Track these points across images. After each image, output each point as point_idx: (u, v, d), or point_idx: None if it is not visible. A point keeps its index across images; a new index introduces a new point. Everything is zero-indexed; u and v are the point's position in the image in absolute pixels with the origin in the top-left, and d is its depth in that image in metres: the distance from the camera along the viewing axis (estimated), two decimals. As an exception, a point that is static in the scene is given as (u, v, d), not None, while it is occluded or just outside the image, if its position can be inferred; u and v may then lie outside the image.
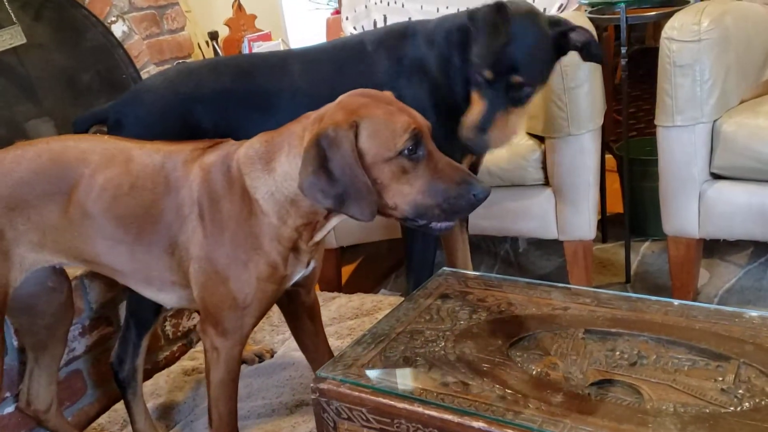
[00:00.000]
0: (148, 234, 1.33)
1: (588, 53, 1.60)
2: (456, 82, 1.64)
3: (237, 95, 1.68)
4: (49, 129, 2.44)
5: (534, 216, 2.10)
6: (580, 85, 1.95)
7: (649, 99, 2.86)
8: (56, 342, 1.61)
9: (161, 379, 1.96)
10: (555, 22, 1.56)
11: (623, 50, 2.17)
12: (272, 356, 2.04)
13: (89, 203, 1.34)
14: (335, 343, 2.01)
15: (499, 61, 1.51)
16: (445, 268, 1.59)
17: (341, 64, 1.71)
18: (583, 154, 1.99)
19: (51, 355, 1.61)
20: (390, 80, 1.66)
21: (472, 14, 1.58)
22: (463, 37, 1.61)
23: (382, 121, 1.19)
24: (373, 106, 1.21)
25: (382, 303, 2.27)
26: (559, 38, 1.56)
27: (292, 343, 2.07)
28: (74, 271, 1.74)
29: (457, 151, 1.66)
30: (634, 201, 2.47)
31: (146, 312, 1.65)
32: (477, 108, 1.56)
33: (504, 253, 2.65)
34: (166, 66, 2.92)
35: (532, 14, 1.55)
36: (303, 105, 1.63)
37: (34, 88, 2.42)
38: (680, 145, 1.93)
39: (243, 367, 2.00)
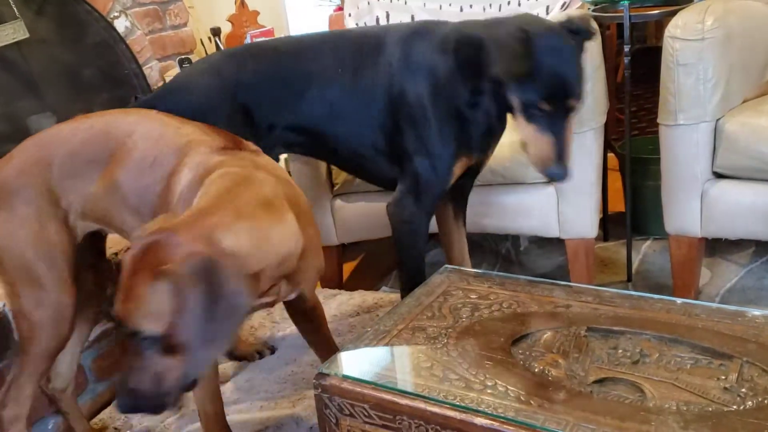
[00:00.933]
0: (161, 210, 1.34)
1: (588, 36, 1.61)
2: (460, 91, 1.65)
3: (274, 77, 1.73)
4: (51, 124, 2.44)
5: (535, 214, 2.10)
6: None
7: (651, 98, 2.86)
8: (84, 321, 1.64)
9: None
10: (566, 27, 1.55)
11: (626, 48, 2.17)
12: (273, 352, 2.05)
13: (121, 173, 1.39)
14: (336, 340, 2.01)
15: (551, 92, 1.50)
16: (447, 265, 1.59)
17: (363, 53, 1.74)
18: (585, 153, 1.99)
19: (78, 334, 1.62)
20: (398, 74, 1.68)
21: (494, 39, 1.54)
22: (476, 52, 1.58)
23: None
24: None
25: (383, 300, 2.27)
26: (576, 40, 1.56)
27: (294, 339, 2.08)
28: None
29: (450, 155, 1.69)
30: (635, 200, 2.47)
31: None
32: (544, 141, 1.54)
33: (505, 252, 2.65)
34: (169, 62, 2.92)
35: (554, 33, 1.53)
36: (331, 89, 1.73)
37: (36, 83, 2.42)
38: (683, 143, 1.92)
39: (244, 363, 2.00)
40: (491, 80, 1.57)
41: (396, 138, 1.72)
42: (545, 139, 1.54)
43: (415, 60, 1.68)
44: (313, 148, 1.85)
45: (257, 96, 1.72)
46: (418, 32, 1.72)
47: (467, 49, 1.61)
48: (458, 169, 1.71)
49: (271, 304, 1.33)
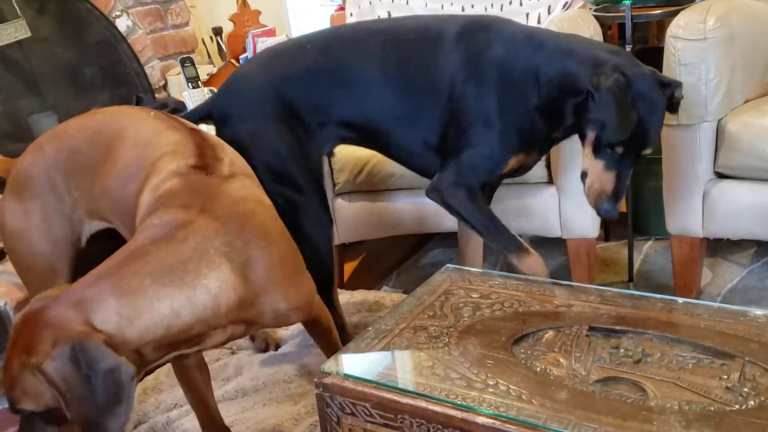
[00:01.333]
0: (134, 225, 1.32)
1: (675, 106, 1.62)
2: (534, 96, 1.62)
3: (321, 72, 1.71)
4: (52, 123, 2.45)
5: (537, 214, 2.10)
6: (584, 83, 1.94)
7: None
8: None
9: (161, 373, 1.96)
10: (666, 84, 1.56)
11: (628, 48, 2.17)
12: (276, 349, 2.04)
13: (108, 178, 1.37)
14: (337, 339, 2.02)
15: (632, 139, 1.51)
16: (448, 265, 1.59)
17: (419, 47, 1.70)
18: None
19: None
20: (462, 71, 1.65)
21: (596, 81, 1.51)
22: (567, 81, 1.57)
23: None
24: None
25: (385, 299, 2.27)
26: (668, 99, 1.57)
27: (297, 337, 2.08)
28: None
29: (510, 149, 1.66)
30: (637, 200, 2.46)
31: None
32: (607, 178, 1.56)
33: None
34: (170, 61, 2.92)
35: (654, 84, 1.53)
36: (382, 84, 1.70)
37: (37, 82, 2.43)
38: (684, 143, 1.92)
39: (249, 359, 2.00)
40: (576, 107, 1.57)
41: (450, 133, 1.68)
42: (608, 176, 1.55)
43: (484, 58, 1.64)
44: (365, 142, 1.82)
45: (305, 93, 1.70)
46: (483, 28, 1.67)
47: (558, 70, 1.58)
48: (513, 162, 1.68)
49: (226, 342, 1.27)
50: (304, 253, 1.77)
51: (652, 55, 2.16)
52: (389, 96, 1.70)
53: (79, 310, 1.04)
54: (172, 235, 1.14)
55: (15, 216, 1.45)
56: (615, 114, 1.48)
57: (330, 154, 1.94)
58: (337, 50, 1.74)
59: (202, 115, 1.78)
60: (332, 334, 1.54)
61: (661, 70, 1.94)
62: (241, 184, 1.28)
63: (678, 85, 1.58)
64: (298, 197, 1.74)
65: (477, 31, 1.67)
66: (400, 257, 2.72)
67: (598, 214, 1.61)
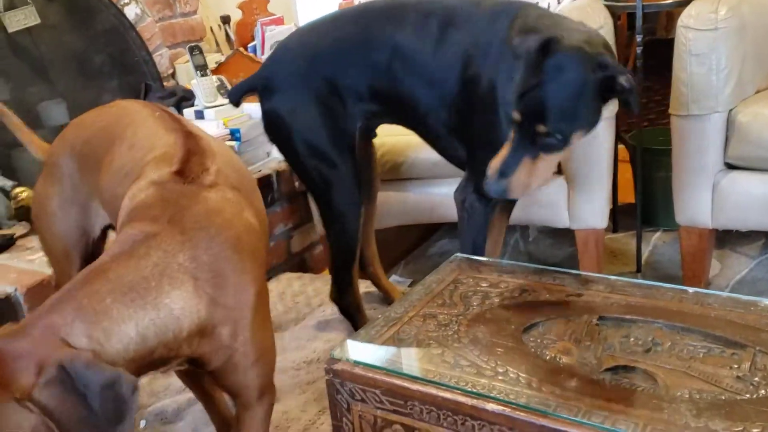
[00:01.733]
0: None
1: (626, 101, 1.44)
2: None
3: (355, 45, 1.72)
4: (61, 111, 2.46)
5: (546, 204, 2.09)
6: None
7: (660, 90, 2.85)
8: None
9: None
10: (603, 65, 1.40)
11: (639, 38, 2.16)
12: None
13: (105, 176, 1.35)
14: (348, 327, 2.02)
15: (527, 106, 1.40)
16: (457, 254, 1.59)
17: (446, 24, 1.66)
18: (596, 143, 1.98)
19: None
20: (474, 56, 1.61)
21: (521, 39, 1.45)
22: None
23: None
24: None
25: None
26: (605, 83, 1.40)
27: (305, 325, 2.09)
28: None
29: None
30: (645, 191, 2.46)
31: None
32: (504, 150, 1.46)
33: (514, 242, 2.65)
34: (179, 49, 2.92)
35: (579, 55, 1.40)
36: (411, 59, 1.68)
37: (46, 69, 2.43)
38: (694, 134, 1.92)
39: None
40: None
41: (465, 119, 1.66)
42: (504, 150, 1.46)
43: (491, 44, 1.58)
44: (401, 121, 1.82)
45: (340, 66, 1.71)
46: (505, 12, 1.61)
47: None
48: None
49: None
50: (333, 231, 1.79)
51: (661, 47, 2.16)
52: (417, 72, 1.68)
53: (51, 333, 0.94)
54: (134, 250, 1.05)
55: (40, 199, 1.49)
56: (518, 74, 1.41)
57: (370, 133, 1.94)
58: (371, 23, 1.74)
59: (247, 88, 1.82)
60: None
61: (668, 63, 1.93)
62: (221, 195, 1.17)
63: (622, 72, 1.40)
64: (331, 173, 1.77)
65: (497, 17, 1.61)
66: (408, 247, 2.72)
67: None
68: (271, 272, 2.57)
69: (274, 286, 2.45)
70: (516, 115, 1.42)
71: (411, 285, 2.37)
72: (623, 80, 1.39)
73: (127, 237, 1.07)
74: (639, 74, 2.22)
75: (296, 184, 2.62)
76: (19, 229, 2.13)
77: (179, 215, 1.10)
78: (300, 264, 2.71)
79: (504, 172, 1.44)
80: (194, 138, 1.28)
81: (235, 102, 1.86)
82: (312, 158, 1.75)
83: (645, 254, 2.42)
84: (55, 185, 1.45)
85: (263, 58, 2.67)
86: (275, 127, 1.80)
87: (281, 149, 1.84)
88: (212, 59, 2.89)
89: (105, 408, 0.92)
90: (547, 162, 1.47)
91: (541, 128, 1.40)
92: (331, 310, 2.24)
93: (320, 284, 2.42)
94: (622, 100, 1.45)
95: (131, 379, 0.95)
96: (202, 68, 2.41)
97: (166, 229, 1.07)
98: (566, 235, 2.31)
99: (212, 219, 1.12)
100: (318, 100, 1.72)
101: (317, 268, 2.75)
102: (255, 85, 1.80)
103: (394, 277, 2.52)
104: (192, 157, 1.21)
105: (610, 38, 1.98)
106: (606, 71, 1.39)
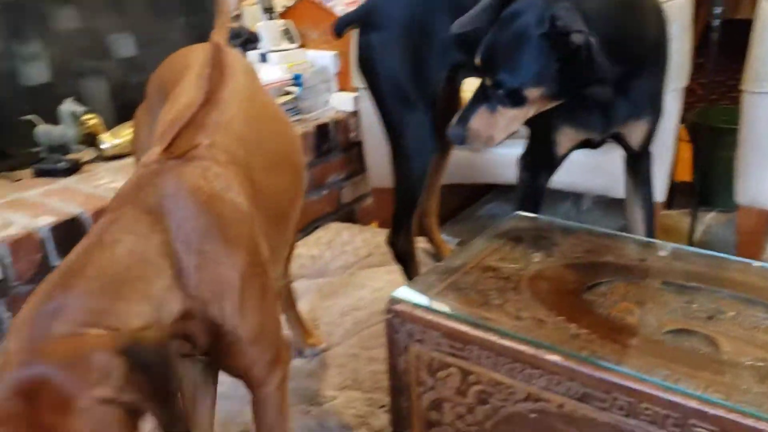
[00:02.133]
0: None
1: (588, 63, 1.34)
2: None
3: None
4: (129, 45, 2.48)
5: (605, 172, 2.08)
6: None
7: (722, 71, 2.78)
8: None
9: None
10: (555, 18, 1.31)
11: (717, 10, 2.11)
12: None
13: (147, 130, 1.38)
14: (396, 279, 2.05)
15: (481, 54, 1.41)
16: (517, 211, 1.59)
17: None
18: (664, 114, 1.95)
19: None
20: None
21: None
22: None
23: None
24: None
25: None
26: (557, 38, 1.32)
27: (354, 270, 2.10)
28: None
29: (553, 126, 1.59)
30: (704, 170, 2.43)
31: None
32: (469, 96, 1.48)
33: (564, 211, 2.64)
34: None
35: (533, 7, 1.34)
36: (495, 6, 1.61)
37: (118, 1, 2.45)
38: (765, 111, 1.88)
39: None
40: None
41: None
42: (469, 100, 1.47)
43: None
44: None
45: (433, 10, 1.72)
46: None
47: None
48: (565, 141, 1.63)
49: None
50: (400, 173, 1.76)
51: (727, 27, 2.10)
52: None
53: (92, 321, 0.87)
54: (101, 244, 0.94)
55: (137, 124, 1.51)
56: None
57: (455, 85, 1.93)
58: None
59: (350, 20, 1.84)
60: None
61: (733, 44, 1.87)
62: (201, 171, 1.05)
63: (577, 29, 1.30)
64: (409, 116, 1.78)
65: None
66: (457, 205, 2.72)
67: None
68: (320, 221, 2.60)
69: (323, 234, 2.48)
70: (477, 61, 1.43)
71: (459, 244, 2.38)
72: (574, 37, 1.31)
73: (95, 228, 0.99)
74: (713, 48, 2.18)
75: (352, 134, 2.63)
76: (85, 154, 2.18)
77: (144, 195, 1.01)
78: (349, 215, 2.73)
79: (461, 119, 1.45)
80: (206, 107, 1.17)
81: (338, 33, 1.85)
82: (394, 97, 1.78)
83: (698, 233, 2.39)
84: (146, 115, 1.46)
85: (330, 5, 2.66)
86: (366, 60, 1.82)
87: (367, 82, 1.86)
88: (279, 2, 2.89)
89: (164, 376, 0.88)
90: (505, 116, 1.43)
91: (487, 79, 1.41)
92: (378, 260, 2.26)
93: (368, 235, 2.44)
94: (582, 61, 1.34)
95: (173, 342, 0.95)
96: (269, 11, 2.41)
97: (128, 211, 0.99)
98: (618, 207, 2.29)
99: (185, 197, 1.02)
100: (409, 42, 1.74)
101: (365, 220, 2.77)
102: (356, 18, 1.82)
103: (442, 237, 2.53)
104: (184, 131, 1.11)
105: (689, 10, 1.94)
106: (555, 26, 1.31)
